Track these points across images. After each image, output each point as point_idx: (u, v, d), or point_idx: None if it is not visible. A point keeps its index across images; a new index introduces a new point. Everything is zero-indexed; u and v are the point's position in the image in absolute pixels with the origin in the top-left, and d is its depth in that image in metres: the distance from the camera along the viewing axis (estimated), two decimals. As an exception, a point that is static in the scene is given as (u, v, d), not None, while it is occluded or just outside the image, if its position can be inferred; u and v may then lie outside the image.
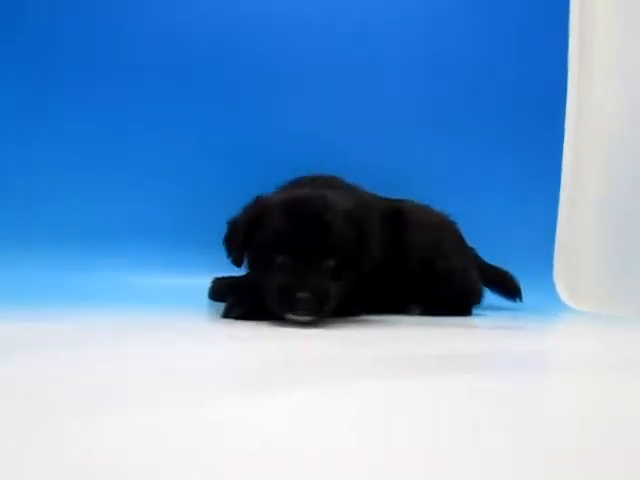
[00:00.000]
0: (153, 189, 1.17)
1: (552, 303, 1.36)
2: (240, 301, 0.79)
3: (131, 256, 1.12)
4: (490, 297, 1.16)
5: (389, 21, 1.34)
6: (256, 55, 1.22)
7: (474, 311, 1.08)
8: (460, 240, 1.09)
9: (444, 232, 1.06)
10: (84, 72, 1.13)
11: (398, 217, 0.99)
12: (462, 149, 1.41)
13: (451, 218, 1.09)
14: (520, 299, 1.19)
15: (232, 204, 1.13)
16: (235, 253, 0.81)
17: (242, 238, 0.79)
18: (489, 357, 0.62)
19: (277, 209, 0.77)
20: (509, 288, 1.19)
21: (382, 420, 0.32)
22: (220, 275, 1.02)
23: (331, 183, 0.93)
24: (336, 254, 0.76)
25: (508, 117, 1.46)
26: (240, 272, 1.01)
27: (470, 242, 1.13)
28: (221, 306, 0.82)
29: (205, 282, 1.02)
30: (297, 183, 0.93)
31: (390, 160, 1.29)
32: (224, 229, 0.83)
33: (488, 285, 1.13)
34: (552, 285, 1.43)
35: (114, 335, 0.61)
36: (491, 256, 1.15)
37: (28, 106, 1.09)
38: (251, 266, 0.83)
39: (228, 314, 0.78)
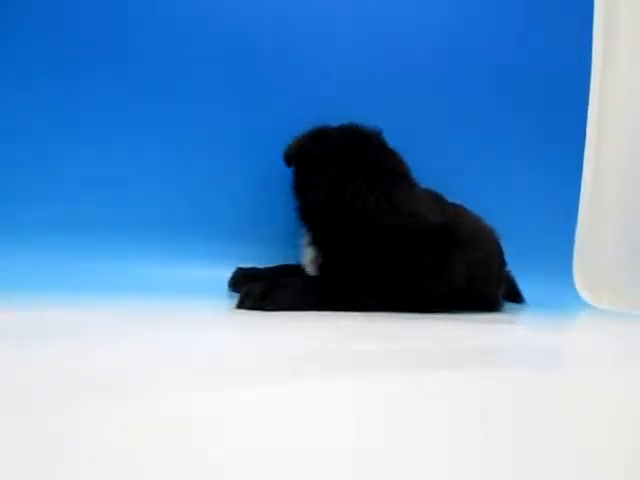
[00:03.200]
0: (173, 177, 1.17)
1: (571, 300, 1.35)
2: (253, 292, 0.80)
3: (149, 245, 1.13)
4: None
5: (403, 13, 1.32)
6: (263, 51, 1.21)
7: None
8: (502, 257, 1.10)
9: (492, 248, 1.07)
10: (90, 65, 1.13)
11: (448, 234, 0.95)
12: (480, 142, 1.39)
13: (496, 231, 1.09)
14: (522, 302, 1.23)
15: (255, 192, 1.13)
16: None
17: None
18: (505, 352, 0.62)
19: None
20: (515, 297, 1.22)
21: (392, 413, 0.33)
22: (243, 265, 1.04)
23: None
24: None
25: (529, 111, 1.44)
26: (263, 265, 1.03)
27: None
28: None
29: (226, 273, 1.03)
30: None
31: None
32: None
33: None
34: (571, 282, 1.41)
35: (125, 324, 0.61)
36: (510, 252, 1.14)
37: (31, 96, 1.10)
38: None
39: (241, 305, 0.79)
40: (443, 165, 1.32)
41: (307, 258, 0.93)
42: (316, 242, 0.91)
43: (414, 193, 0.97)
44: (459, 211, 1.03)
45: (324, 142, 0.95)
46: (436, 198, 1.01)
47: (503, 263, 1.12)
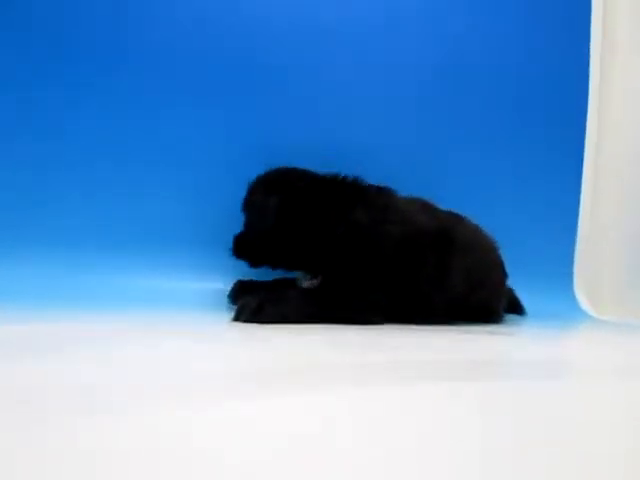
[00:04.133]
0: (171, 189, 1.17)
1: (572, 311, 1.34)
2: (250, 305, 0.80)
3: (149, 259, 1.13)
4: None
5: (403, 22, 1.33)
6: (267, 54, 1.22)
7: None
8: (502, 265, 1.10)
9: (491, 257, 1.07)
10: (89, 69, 1.14)
11: (444, 239, 0.97)
12: (479, 152, 1.39)
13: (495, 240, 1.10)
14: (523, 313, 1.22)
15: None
16: None
17: None
18: (505, 364, 0.62)
19: None
20: (516, 308, 1.22)
21: (388, 427, 0.32)
22: (243, 278, 1.04)
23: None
24: None
25: (527, 121, 1.44)
26: (263, 278, 1.03)
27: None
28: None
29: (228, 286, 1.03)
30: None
31: (404, 168, 1.28)
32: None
33: None
34: (572, 292, 1.41)
35: (124, 336, 0.61)
36: (509, 262, 1.13)
37: (32, 102, 1.11)
38: None
39: (238, 318, 0.79)
40: (441, 173, 1.32)
41: (304, 275, 0.94)
42: (319, 272, 0.91)
43: (401, 201, 0.99)
44: (454, 217, 1.04)
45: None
46: (424, 205, 1.03)
47: (504, 274, 1.12)
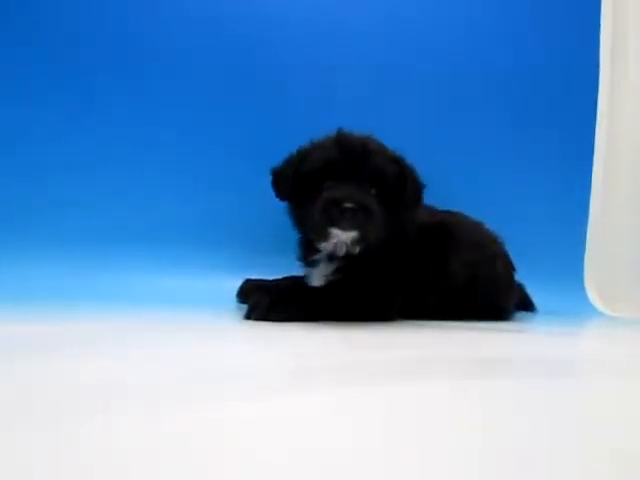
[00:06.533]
0: (183, 189, 1.18)
1: (583, 308, 1.33)
2: (261, 303, 0.80)
3: (157, 257, 1.14)
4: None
5: (408, 18, 1.33)
6: (276, 55, 1.23)
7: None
8: (507, 259, 1.09)
9: (493, 249, 1.07)
10: (98, 68, 1.16)
11: (445, 231, 0.99)
12: (489, 150, 1.39)
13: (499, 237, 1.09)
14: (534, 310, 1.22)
15: (265, 204, 1.14)
16: (283, 187, 0.89)
17: (293, 170, 0.87)
18: (515, 362, 0.61)
19: (325, 142, 0.87)
20: (526, 306, 1.22)
21: (402, 424, 0.32)
22: (251, 277, 1.04)
23: None
24: (378, 184, 0.84)
25: (538, 116, 1.43)
26: (271, 276, 1.04)
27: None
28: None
29: (236, 284, 1.04)
30: None
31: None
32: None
33: None
34: (583, 289, 1.40)
35: (135, 333, 0.62)
36: (521, 260, 1.13)
37: (41, 105, 1.12)
38: (298, 200, 0.88)
39: (249, 316, 0.79)
40: (454, 174, 1.32)
41: (316, 273, 0.93)
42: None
43: None
44: (453, 215, 1.06)
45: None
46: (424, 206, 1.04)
47: (510, 266, 1.11)
